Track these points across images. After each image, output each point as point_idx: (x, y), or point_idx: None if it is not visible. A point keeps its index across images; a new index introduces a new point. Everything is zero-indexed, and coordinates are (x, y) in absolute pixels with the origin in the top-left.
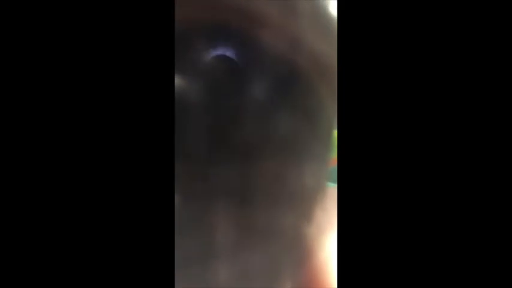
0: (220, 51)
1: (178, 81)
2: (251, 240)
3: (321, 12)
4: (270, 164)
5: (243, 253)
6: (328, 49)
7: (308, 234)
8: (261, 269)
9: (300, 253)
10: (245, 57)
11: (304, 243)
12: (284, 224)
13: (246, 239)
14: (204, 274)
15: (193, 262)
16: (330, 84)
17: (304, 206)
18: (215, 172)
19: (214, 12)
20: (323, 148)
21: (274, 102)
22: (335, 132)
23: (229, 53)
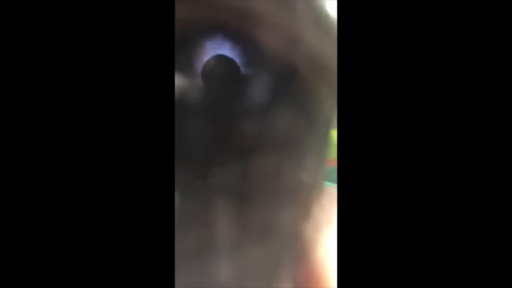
0: (219, 51)
1: (177, 81)
2: (249, 237)
3: (319, 12)
4: (268, 163)
5: (242, 250)
6: (326, 49)
7: (306, 231)
8: (259, 265)
9: (298, 249)
10: (243, 57)
11: (301, 239)
12: (282, 221)
13: (245, 235)
14: (203, 270)
15: (193, 258)
16: (328, 83)
17: (301, 204)
18: (214, 170)
19: (213, 12)
20: (321, 147)
21: (273, 102)
22: (333, 132)
23: (228, 53)
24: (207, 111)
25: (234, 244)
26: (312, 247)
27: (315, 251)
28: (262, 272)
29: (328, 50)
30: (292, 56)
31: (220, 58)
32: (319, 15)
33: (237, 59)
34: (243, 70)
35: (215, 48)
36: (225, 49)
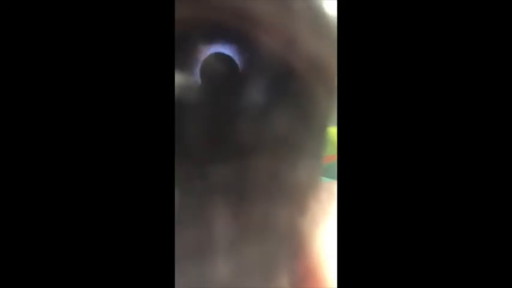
0: (217, 50)
1: (176, 80)
2: (248, 234)
3: (317, 12)
4: (265, 161)
5: (241, 247)
6: (323, 49)
7: (303, 226)
8: (257, 262)
9: (295, 245)
10: (241, 57)
11: (299, 234)
12: (279, 218)
13: (243, 233)
14: (202, 268)
15: (192, 256)
16: (325, 83)
17: (299, 200)
18: (213, 170)
19: (212, 12)
20: (317, 145)
21: (270, 102)
22: (330, 130)
23: (226, 52)
24: (205, 110)
25: (233, 242)
26: (309, 241)
27: (313, 245)
28: (260, 268)
29: (325, 50)
30: (290, 56)
31: (219, 55)
32: (316, 15)
33: (236, 59)
34: (240, 70)
35: (214, 48)
36: (223, 49)
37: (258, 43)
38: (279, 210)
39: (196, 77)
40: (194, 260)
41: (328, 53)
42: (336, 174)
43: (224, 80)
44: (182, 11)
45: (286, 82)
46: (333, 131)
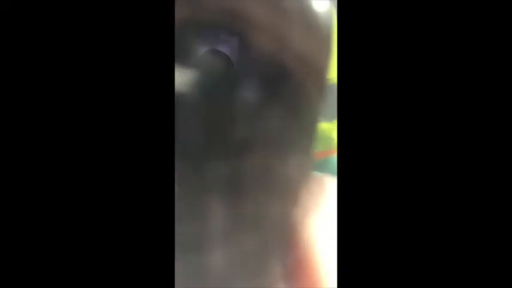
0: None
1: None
2: (243, 226)
3: (308, 11)
4: (259, 157)
5: (236, 237)
6: (315, 48)
7: (294, 217)
8: (252, 251)
9: (287, 234)
10: (236, 57)
11: (290, 225)
12: (272, 211)
13: (238, 225)
14: (201, 258)
15: (191, 247)
16: (316, 80)
17: (291, 194)
18: (210, 166)
19: (208, 12)
20: (308, 140)
21: (264, 100)
22: (321, 126)
23: (221, 51)
24: (202, 109)
25: (229, 233)
26: (300, 230)
27: (304, 234)
28: (255, 257)
29: (317, 49)
30: (283, 55)
31: (214, 52)
32: (308, 15)
33: (231, 58)
34: (234, 70)
35: (210, 47)
36: (219, 48)
37: (252, 43)
38: (272, 203)
39: (193, 74)
40: (193, 251)
41: (319, 51)
42: (327, 169)
43: (219, 78)
44: (180, 12)
45: (278, 80)
46: (324, 127)
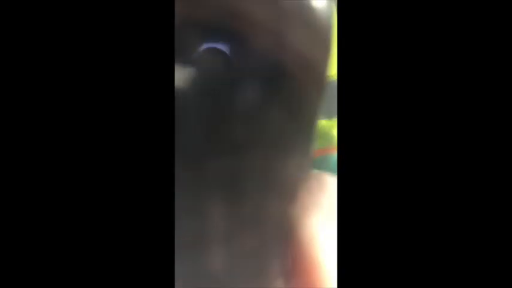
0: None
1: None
2: (242, 226)
3: (308, 11)
4: (258, 157)
5: (235, 238)
6: (314, 47)
7: (293, 215)
8: (252, 251)
9: (286, 232)
10: (235, 56)
11: (289, 223)
12: (272, 210)
13: (238, 225)
14: (201, 256)
15: (191, 246)
16: (316, 80)
17: (289, 193)
18: (209, 165)
19: (206, 12)
20: (307, 139)
21: (263, 100)
22: (321, 123)
23: (221, 49)
24: (202, 108)
25: (228, 232)
26: (299, 228)
27: (303, 232)
28: (254, 254)
29: (316, 48)
30: (282, 54)
31: (213, 50)
32: (307, 14)
33: (229, 57)
34: (233, 69)
35: (210, 46)
36: (219, 47)
37: (251, 42)
38: (271, 202)
39: (192, 75)
40: (192, 251)
41: (318, 51)
42: (327, 166)
43: (219, 77)
44: (180, 11)
45: (278, 79)
46: (323, 124)
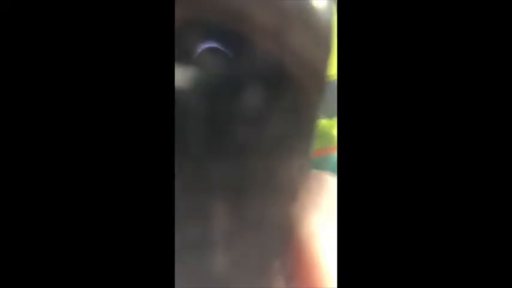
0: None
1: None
2: (243, 226)
3: (308, 11)
4: (259, 158)
5: (236, 238)
6: (315, 50)
7: (294, 215)
8: (252, 252)
9: (288, 234)
10: (235, 57)
11: (290, 223)
12: (273, 211)
13: (238, 225)
14: (202, 258)
15: (192, 247)
16: (316, 80)
17: (290, 193)
18: (209, 166)
19: (209, 13)
20: (308, 140)
21: (264, 100)
22: (321, 122)
23: (221, 50)
24: (202, 109)
25: (230, 234)
26: (300, 228)
27: (303, 231)
28: (254, 257)
29: (317, 48)
30: (282, 55)
31: (214, 51)
32: (309, 15)
33: (230, 57)
34: (235, 65)
35: (210, 47)
36: (219, 48)
37: (251, 44)
38: (272, 203)
39: (192, 75)
40: (193, 251)
41: (319, 51)
42: (327, 166)
43: (219, 77)
44: (180, 11)
45: (278, 80)
46: (324, 123)
